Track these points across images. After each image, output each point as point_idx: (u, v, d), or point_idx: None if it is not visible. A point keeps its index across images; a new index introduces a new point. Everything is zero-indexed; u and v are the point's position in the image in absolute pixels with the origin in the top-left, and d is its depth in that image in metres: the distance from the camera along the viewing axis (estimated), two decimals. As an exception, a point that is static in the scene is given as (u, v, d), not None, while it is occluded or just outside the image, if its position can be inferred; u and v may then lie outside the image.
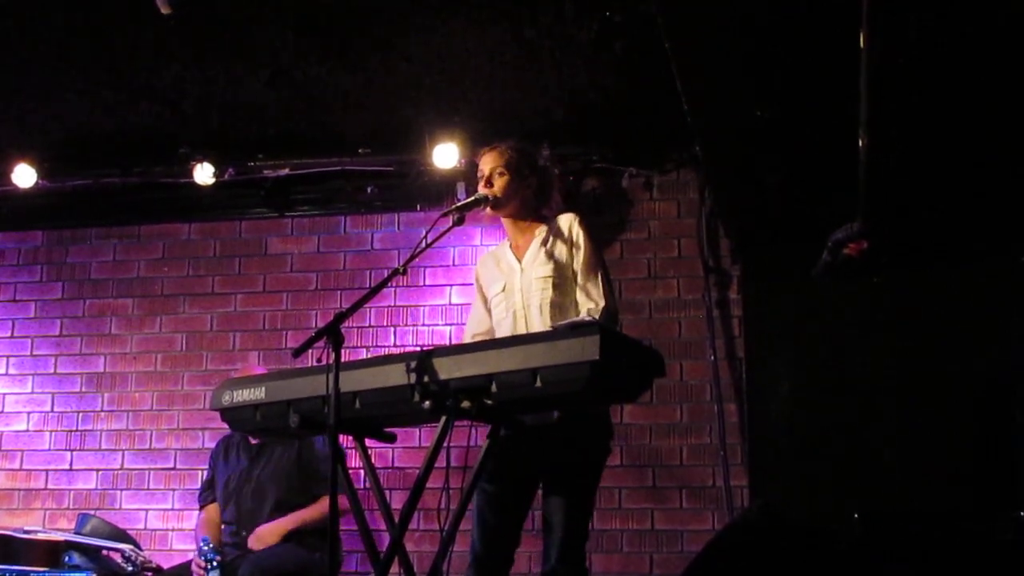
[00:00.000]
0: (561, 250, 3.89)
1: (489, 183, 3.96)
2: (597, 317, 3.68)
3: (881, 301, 5.50)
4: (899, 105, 4.05)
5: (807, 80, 4.23)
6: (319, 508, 5.12)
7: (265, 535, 5.01)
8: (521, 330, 3.83)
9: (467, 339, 4.12)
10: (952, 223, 5.14)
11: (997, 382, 5.23)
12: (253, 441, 5.36)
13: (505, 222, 4.08)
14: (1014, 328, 5.21)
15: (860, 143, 4.22)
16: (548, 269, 3.86)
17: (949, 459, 5.20)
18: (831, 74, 4.03)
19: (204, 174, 6.07)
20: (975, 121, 4.26)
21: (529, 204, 4.03)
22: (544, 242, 3.94)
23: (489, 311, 4.06)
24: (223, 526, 5.32)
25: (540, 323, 3.78)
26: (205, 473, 5.60)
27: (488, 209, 3.96)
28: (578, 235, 3.90)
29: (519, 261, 3.98)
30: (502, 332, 3.92)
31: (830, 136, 4.49)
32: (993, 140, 4.37)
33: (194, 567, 4.95)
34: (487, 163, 4.01)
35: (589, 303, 3.80)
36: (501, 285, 3.97)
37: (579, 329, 3.13)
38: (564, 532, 3.69)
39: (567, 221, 3.95)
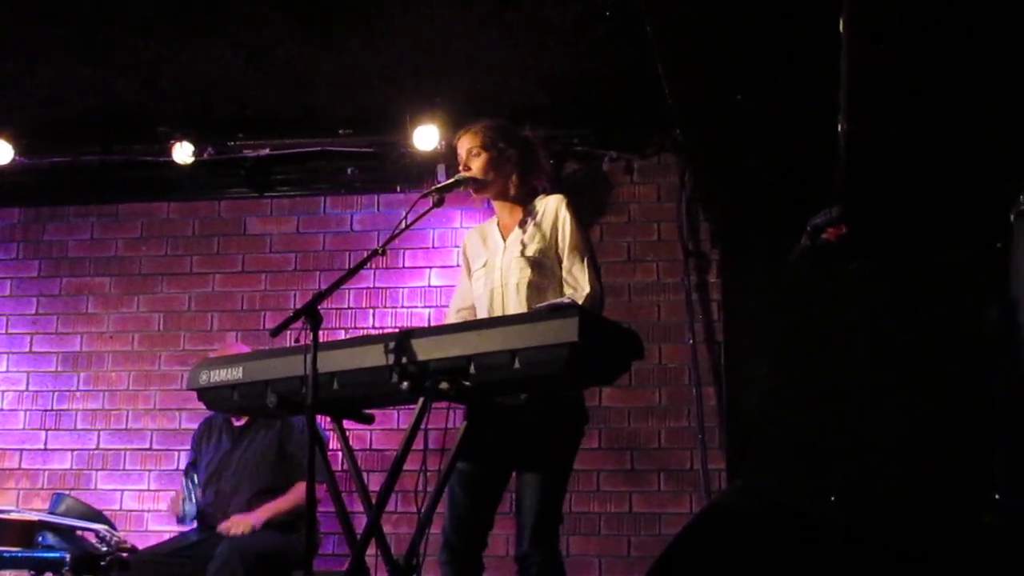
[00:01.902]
0: (546, 231, 3.88)
1: (468, 167, 3.95)
2: (580, 301, 3.68)
3: (859, 286, 5.52)
4: (879, 91, 4.05)
5: (787, 65, 4.23)
6: (292, 498, 5.09)
7: (235, 527, 4.97)
8: (497, 308, 3.82)
9: (451, 313, 4.11)
10: (931, 209, 5.15)
11: (974, 366, 5.25)
12: (237, 423, 5.33)
13: (495, 203, 4.06)
14: (991, 312, 5.23)
15: (840, 128, 4.22)
16: (531, 249, 3.85)
17: (926, 443, 5.23)
18: (811, 59, 4.02)
19: (183, 153, 6.05)
20: (954, 107, 4.26)
21: (513, 180, 3.98)
22: (530, 222, 3.92)
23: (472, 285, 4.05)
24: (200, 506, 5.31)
25: (516, 302, 3.77)
26: (188, 455, 5.55)
27: (473, 191, 3.96)
28: (565, 218, 3.87)
29: (504, 239, 3.96)
30: (480, 308, 3.92)
31: (810, 121, 4.50)
32: (972, 126, 4.38)
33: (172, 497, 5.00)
34: (463, 146, 3.98)
35: (573, 287, 3.79)
36: (483, 261, 3.96)
37: (558, 311, 3.13)
38: (537, 514, 3.68)
39: (555, 203, 3.93)
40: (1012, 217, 4.93)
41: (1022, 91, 4.04)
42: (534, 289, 3.78)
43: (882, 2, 3.57)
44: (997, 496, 4.22)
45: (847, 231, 5.12)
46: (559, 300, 3.44)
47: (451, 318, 4.06)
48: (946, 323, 5.33)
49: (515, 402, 3.65)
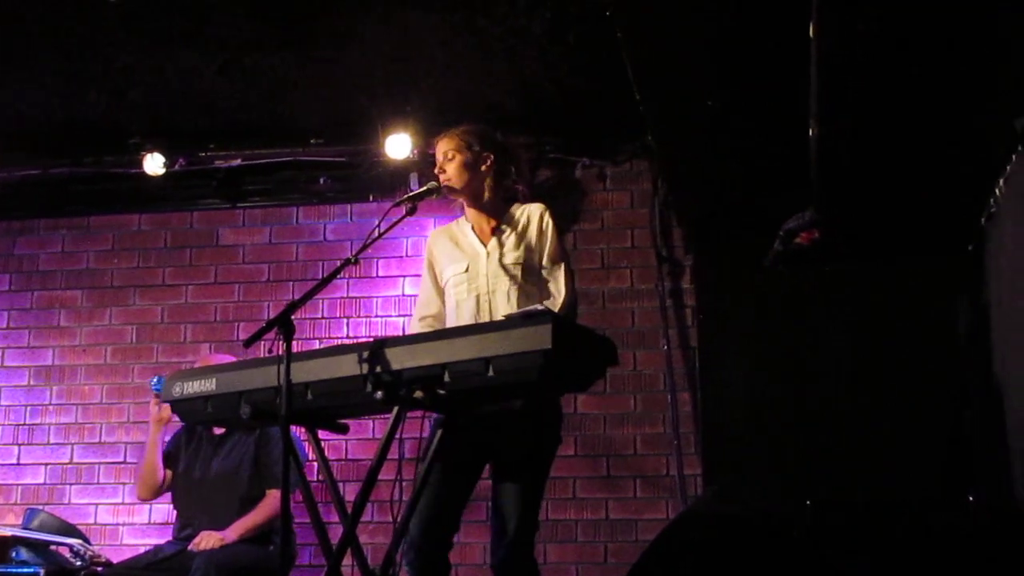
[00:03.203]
0: (530, 239, 3.89)
1: (443, 169, 3.94)
2: (557, 309, 3.70)
3: (833, 290, 5.54)
4: (850, 95, 4.07)
5: (758, 70, 4.24)
6: (265, 511, 5.06)
7: (205, 541, 4.92)
8: (484, 315, 3.80)
9: (415, 321, 4.06)
10: (903, 213, 5.18)
11: (948, 368, 5.28)
12: (216, 431, 5.29)
13: (468, 208, 4.04)
14: (962, 315, 5.27)
15: (811, 133, 4.24)
16: (517, 257, 3.85)
17: (902, 447, 5.25)
18: (782, 64, 4.04)
19: (155, 164, 6.02)
20: (925, 111, 4.29)
21: (489, 184, 3.97)
22: (512, 229, 3.92)
23: (440, 292, 4.01)
24: (176, 518, 5.27)
25: (506, 309, 3.74)
26: (165, 445, 5.47)
27: (448, 194, 3.95)
28: (547, 226, 3.91)
29: (484, 244, 3.94)
30: (463, 315, 3.86)
31: (782, 126, 4.51)
32: (942, 131, 4.41)
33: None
34: (439, 149, 3.98)
35: (552, 295, 3.81)
36: (463, 266, 3.92)
37: (532, 318, 3.13)
38: (514, 522, 3.67)
39: (538, 211, 3.95)
40: (983, 221, 4.97)
41: (992, 95, 4.07)
42: (524, 296, 3.79)
43: (852, 7, 3.59)
44: (971, 498, 4.25)
45: (820, 235, 5.14)
46: (533, 307, 3.43)
47: (415, 326, 4.02)
48: (919, 326, 5.37)
49: (494, 410, 3.65)
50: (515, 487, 3.70)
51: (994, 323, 4.95)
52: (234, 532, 4.96)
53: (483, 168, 3.95)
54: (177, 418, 3.98)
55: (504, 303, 3.79)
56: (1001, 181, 4.57)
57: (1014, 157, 4.35)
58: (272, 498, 5.05)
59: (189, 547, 4.91)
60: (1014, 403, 4.55)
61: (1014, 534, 3.49)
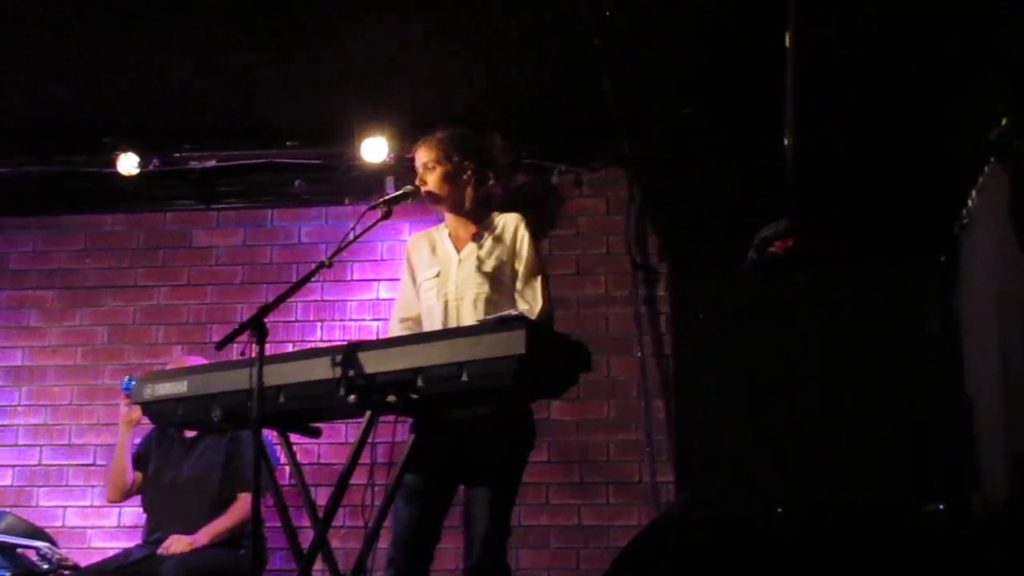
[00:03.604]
0: (504, 249, 3.89)
1: (423, 181, 3.93)
2: (534, 317, 3.69)
3: (807, 298, 5.55)
4: (825, 104, 4.09)
5: (735, 79, 4.25)
6: (235, 515, 5.03)
7: (175, 545, 4.89)
8: (452, 321, 3.80)
9: (394, 323, 4.06)
10: (877, 222, 5.21)
11: (920, 378, 5.30)
12: (188, 434, 5.26)
13: (447, 215, 4.04)
14: (935, 325, 5.29)
15: (786, 141, 4.26)
16: (489, 265, 3.85)
17: (875, 455, 5.27)
18: (758, 73, 4.05)
19: (128, 164, 5.99)
20: (900, 120, 4.31)
21: (469, 193, 3.97)
22: (488, 237, 3.92)
23: (418, 294, 4.01)
24: (146, 521, 5.23)
25: (472, 317, 3.75)
26: (137, 446, 5.44)
27: (429, 202, 3.94)
28: (523, 237, 3.91)
29: (458, 251, 3.94)
30: (431, 320, 3.88)
31: (757, 134, 4.53)
32: (916, 141, 4.44)
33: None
34: (419, 158, 3.98)
35: (527, 303, 3.81)
36: (435, 271, 3.92)
37: (506, 323, 3.12)
38: (487, 528, 3.66)
39: (514, 221, 3.95)
40: (956, 230, 5.00)
41: (966, 105, 4.10)
42: (491, 304, 3.78)
43: (828, 17, 3.60)
44: (941, 506, 4.27)
45: (794, 244, 5.16)
46: (507, 312, 3.43)
47: (394, 328, 4.02)
48: (893, 334, 5.38)
49: (467, 416, 3.64)
50: (487, 492, 3.70)
51: (965, 332, 4.98)
52: (204, 536, 4.93)
53: (464, 178, 3.96)
54: (147, 420, 3.96)
55: (471, 310, 3.79)
56: (974, 192, 4.60)
57: (987, 168, 4.38)
58: (243, 502, 5.02)
59: (159, 551, 4.87)
60: (981, 410, 4.58)
61: (982, 538, 3.51)
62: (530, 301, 3.82)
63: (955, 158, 4.48)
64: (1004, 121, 4.08)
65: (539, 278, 3.87)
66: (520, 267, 3.87)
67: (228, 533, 4.99)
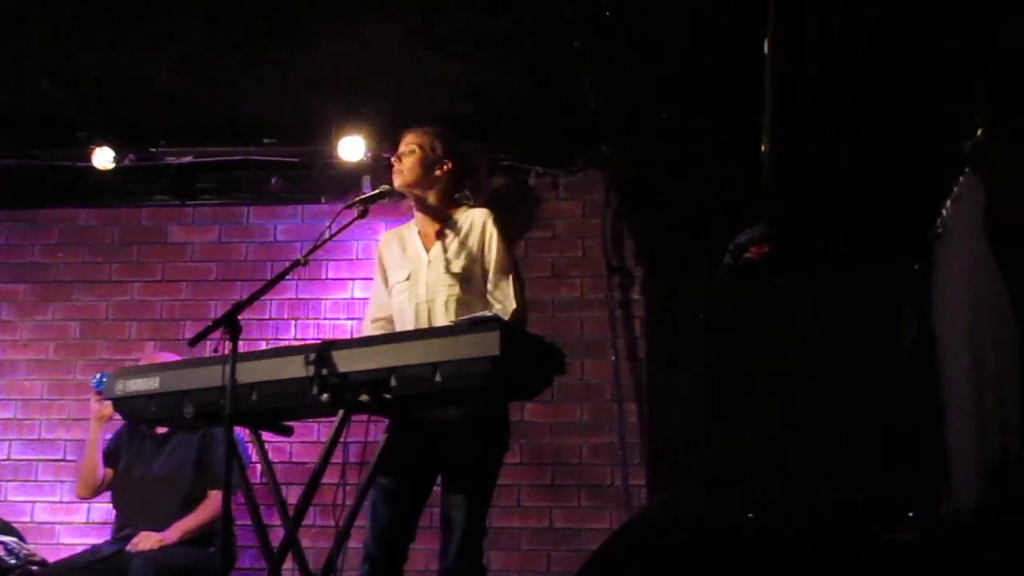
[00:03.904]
0: (473, 247, 3.85)
1: (400, 159, 3.91)
2: (507, 317, 3.67)
3: (782, 303, 5.58)
4: (802, 110, 4.11)
5: (713, 84, 4.27)
6: (205, 513, 5.01)
7: (144, 542, 4.87)
8: (424, 323, 3.79)
9: (367, 323, 4.05)
10: (853, 229, 5.23)
11: (894, 384, 5.33)
12: (159, 430, 5.23)
13: (415, 211, 4.02)
14: (909, 332, 5.32)
15: (763, 148, 4.27)
16: (458, 265, 3.82)
17: (848, 460, 5.29)
18: (736, 79, 4.07)
19: (104, 158, 5.95)
20: (876, 127, 4.34)
21: (439, 190, 3.95)
22: (455, 235, 3.89)
23: (390, 296, 3.99)
24: (115, 518, 5.20)
25: (444, 319, 3.74)
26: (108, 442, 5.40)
27: (397, 186, 3.91)
28: (491, 234, 3.86)
29: (427, 251, 3.92)
30: (403, 323, 3.86)
31: (735, 140, 4.54)
32: (892, 147, 4.46)
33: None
34: (404, 141, 3.97)
35: (499, 303, 3.78)
36: (406, 273, 3.90)
37: (480, 324, 3.13)
38: (463, 529, 3.66)
39: (481, 217, 3.91)
40: (931, 239, 5.03)
41: (941, 114, 4.12)
42: (463, 306, 3.76)
43: (806, 24, 3.62)
44: (911, 513, 4.29)
45: (770, 250, 5.17)
46: (481, 313, 3.42)
47: (368, 328, 4.01)
48: (867, 341, 5.41)
49: (446, 417, 3.65)
50: (463, 494, 3.70)
51: (939, 340, 5.01)
52: (174, 533, 4.90)
53: (438, 172, 3.94)
54: (119, 416, 3.94)
55: (443, 312, 3.77)
56: (948, 201, 4.63)
57: (961, 178, 4.40)
58: (214, 499, 5.00)
59: (127, 547, 4.85)
60: (954, 418, 4.61)
61: (955, 544, 3.53)
62: (502, 301, 3.79)
63: (931, 167, 4.51)
64: (979, 132, 4.11)
65: (510, 277, 3.83)
66: (490, 266, 3.84)
67: (198, 530, 4.97)
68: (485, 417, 3.72)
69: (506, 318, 3.65)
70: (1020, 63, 3.73)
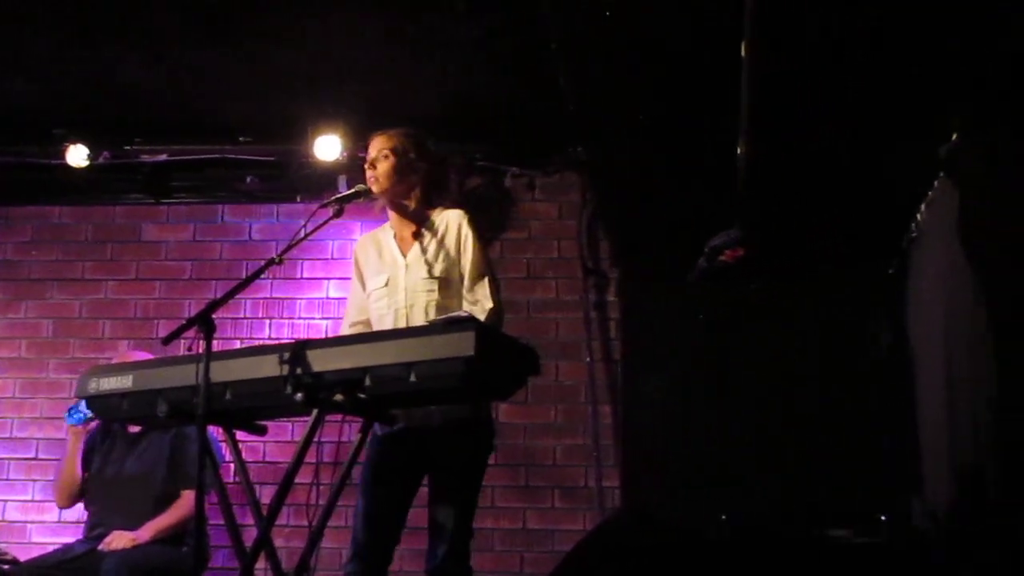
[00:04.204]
0: (449, 249, 3.85)
1: (373, 166, 3.90)
2: (483, 319, 3.66)
3: (757, 306, 5.60)
4: (778, 114, 4.13)
5: (690, 88, 4.28)
6: (178, 512, 4.99)
7: (117, 541, 4.84)
8: (403, 329, 3.78)
9: (345, 327, 4.03)
10: (827, 233, 5.26)
11: (868, 388, 5.35)
12: (132, 429, 5.20)
13: (390, 213, 4.01)
14: (883, 337, 5.35)
15: (739, 151, 4.29)
16: (437, 270, 3.82)
17: (822, 463, 5.31)
18: (714, 82, 4.08)
19: (78, 156, 5.90)
20: (852, 132, 4.36)
21: (415, 194, 3.93)
22: (431, 239, 3.88)
23: (368, 301, 3.97)
24: (88, 517, 5.17)
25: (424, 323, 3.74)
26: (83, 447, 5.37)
27: (374, 192, 3.89)
28: (467, 236, 3.86)
29: (404, 256, 3.91)
30: (382, 327, 3.84)
31: (711, 143, 4.56)
32: (868, 151, 4.48)
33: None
34: (374, 147, 3.94)
35: (474, 304, 3.77)
36: (384, 279, 3.89)
37: (455, 325, 3.13)
38: (452, 531, 3.67)
39: (456, 219, 3.90)
40: (905, 244, 5.06)
41: (916, 119, 4.14)
42: (441, 309, 3.75)
43: (783, 28, 3.63)
44: (883, 517, 4.31)
45: (744, 253, 5.19)
46: (456, 314, 3.42)
47: (345, 332, 3.99)
48: (841, 344, 5.44)
49: (433, 422, 3.65)
50: (451, 496, 3.71)
51: (913, 344, 5.03)
52: (147, 532, 4.88)
53: (413, 178, 3.93)
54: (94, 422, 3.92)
55: (422, 317, 3.76)
56: (923, 206, 4.66)
57: (936, 183, 4.43)
58: (187, 499, 4.98)
59: (100, 547, 4.82)
60: (926, 427, 4.63)
61: (924, 552, 3.55)
62: (478, 301, 3.78)
63: (906, 172, 4.53)
64: (954, 137, 4.13)
65: (486, 278, 3.83)
66: (467, 267, 3.83)
67: (171, 530, 4.95)
68: (470, 420, 3.72)
69: (482, 318, 3.65)
70: (994, 67, 3.76)
